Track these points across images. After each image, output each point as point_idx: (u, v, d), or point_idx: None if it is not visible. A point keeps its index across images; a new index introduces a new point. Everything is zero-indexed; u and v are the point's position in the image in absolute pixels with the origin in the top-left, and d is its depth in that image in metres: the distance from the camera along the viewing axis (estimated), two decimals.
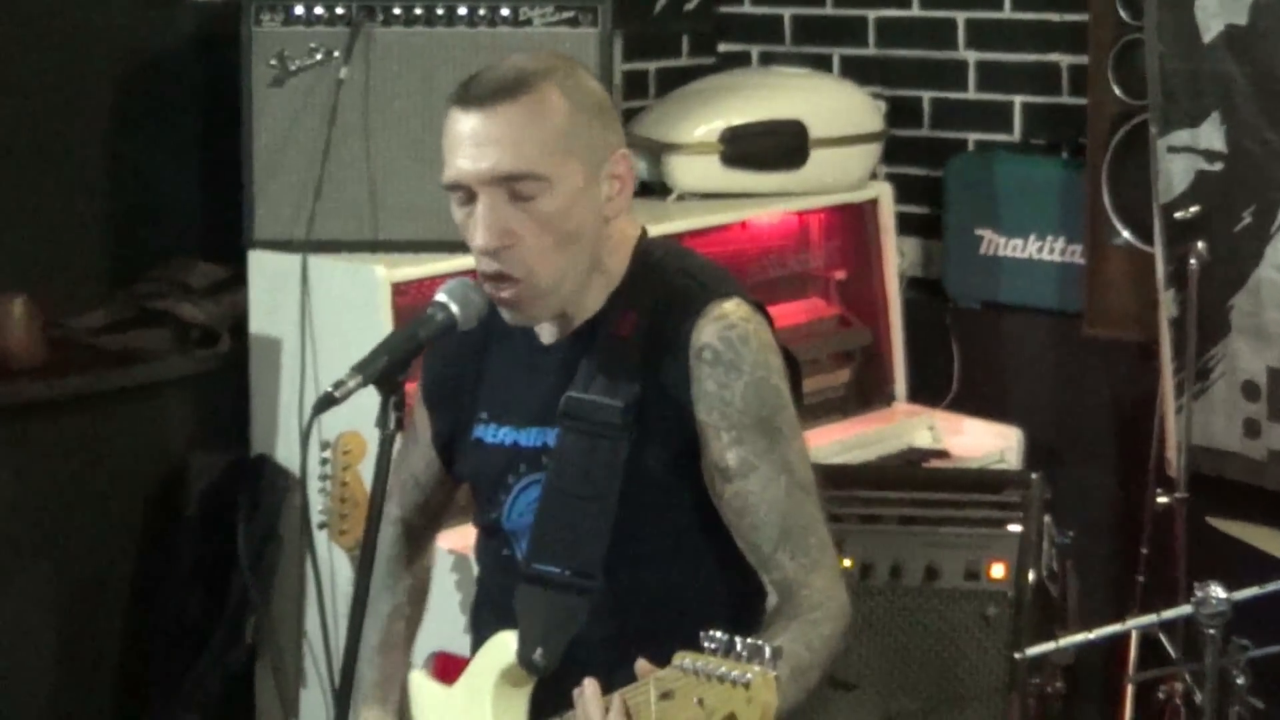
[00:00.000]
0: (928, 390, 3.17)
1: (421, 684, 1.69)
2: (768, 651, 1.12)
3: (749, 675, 1.10)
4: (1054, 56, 3.20)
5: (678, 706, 1.17)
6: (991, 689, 2.36)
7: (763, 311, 1.52)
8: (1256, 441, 2.77)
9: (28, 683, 2.81)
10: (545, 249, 1.41)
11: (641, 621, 1.47)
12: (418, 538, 1.78)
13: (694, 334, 1.43)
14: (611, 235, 1.49)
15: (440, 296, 1.45)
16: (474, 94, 1.41)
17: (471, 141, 1.41)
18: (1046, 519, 2.46)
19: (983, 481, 2.65)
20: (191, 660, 2.84)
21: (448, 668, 1.74)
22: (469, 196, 1.41)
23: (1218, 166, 2.79)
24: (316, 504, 2.30)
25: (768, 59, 3.61)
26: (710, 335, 1.43)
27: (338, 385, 1.34)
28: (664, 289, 1.50)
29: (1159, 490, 2.75)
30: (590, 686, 1.28)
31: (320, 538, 2.34)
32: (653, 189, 2.96)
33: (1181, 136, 2.80)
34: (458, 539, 2.01)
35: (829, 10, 3.54)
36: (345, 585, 1.84)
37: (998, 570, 2.36)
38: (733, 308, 1.46)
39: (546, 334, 1.52)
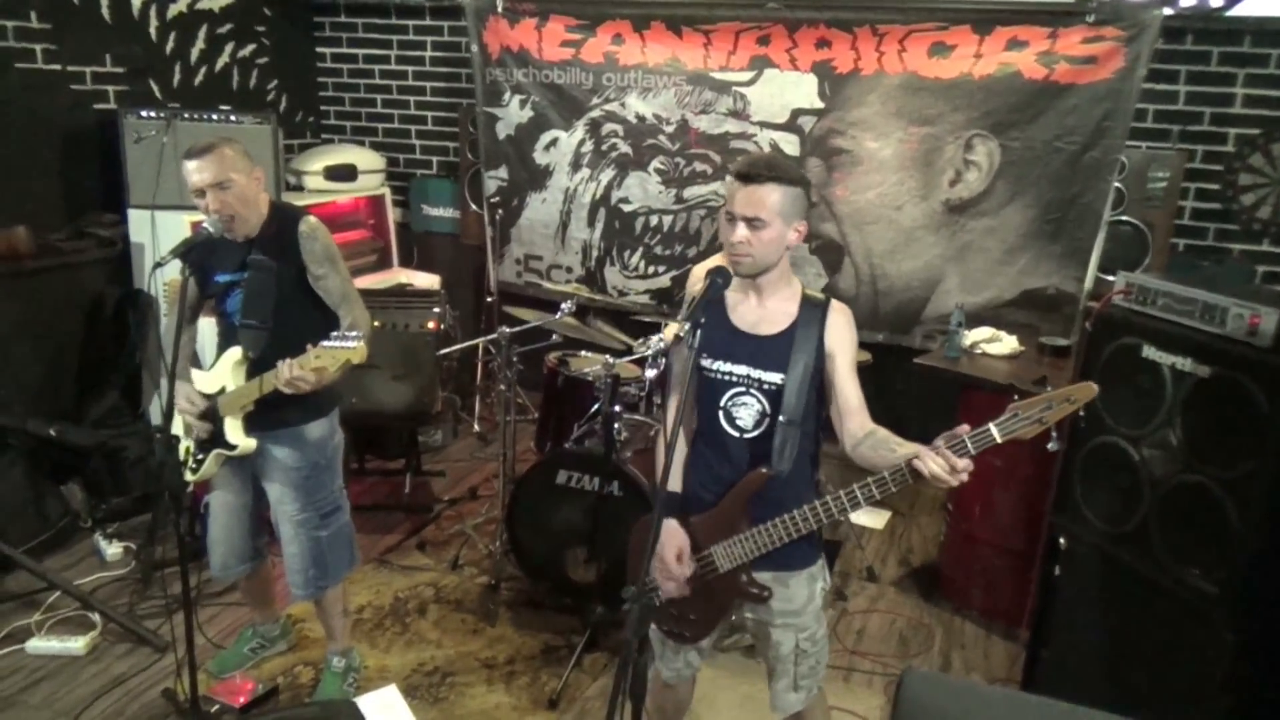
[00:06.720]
0: (410, 265, 5.24)
1: (197, 371, 2.58)
2: (356, 333, 2.18)
3: (351, 343, 2.17)
4: (451, 144, 5.35)
5: (319, 359, 2.17)
6: (430, 364, 3.98)
7: (321, 223, 2.46)
8: (530, 277, 5.04)
9: (23, 376, 3.90)
10: (235, 204, 2.39)
11: (290, 341, 2.33)
12: (192, 318, 2.62)
13: (299, 230, 2.43)
14: (261, 201, 2.45)
15: (203, 223, 2.35)
16: (194, 152, 2.35)
17: (197, 170, 2.36)
18: (447, 307, 4.21)
19: (421, 294, 4.15)
20: (109, 372, 4.14)
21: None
22: (202, 194, 2.34)
23: (507, 181, 5.09)
24: (163, 305, 4.02)
25: (353, 137, 5.59)
26: (305, 228, 2.43)
27: (161, 258, 2.21)
28: (284, 217, 2.49)
29: (489, 299, 4.88)
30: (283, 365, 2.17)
31: (163, 319, 3.95)
32: (299, 189, 4.82)
33: (492, 173, 5.12)
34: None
35: (356, 110, 5.44)
36: (171, 335, 2.62)
37: (436, 325, 4.08)
38: (310, 218, 2.45)
39: (240, 238, 2.40)
